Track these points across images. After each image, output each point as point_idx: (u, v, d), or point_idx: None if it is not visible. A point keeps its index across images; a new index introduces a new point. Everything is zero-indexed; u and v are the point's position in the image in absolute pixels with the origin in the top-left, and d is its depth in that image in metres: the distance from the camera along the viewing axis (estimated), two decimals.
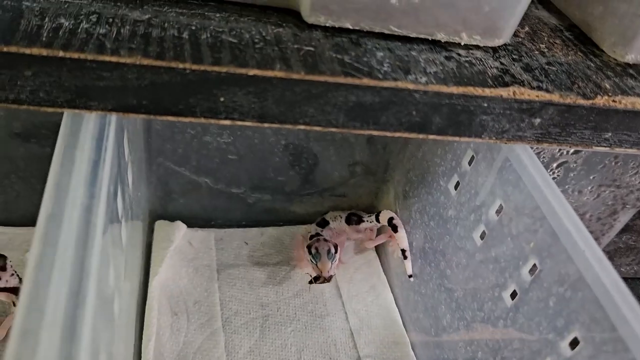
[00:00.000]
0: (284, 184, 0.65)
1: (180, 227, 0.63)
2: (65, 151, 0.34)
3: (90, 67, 0.34)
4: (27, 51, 0.32)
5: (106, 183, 0.33)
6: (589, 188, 0.57)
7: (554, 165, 0.54)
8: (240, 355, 0.55)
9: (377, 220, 0.63)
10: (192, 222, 0.65)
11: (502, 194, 0.45)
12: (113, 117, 0.39)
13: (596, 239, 0.50)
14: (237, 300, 0.59)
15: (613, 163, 0.54)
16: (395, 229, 0.60)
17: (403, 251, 0.60)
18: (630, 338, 0.34)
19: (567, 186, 0.56)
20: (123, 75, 0.35)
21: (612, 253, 0.66)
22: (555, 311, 0.39)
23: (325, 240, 0.59)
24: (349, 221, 0.65)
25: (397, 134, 0.42)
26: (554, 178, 0.55)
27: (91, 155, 0.34)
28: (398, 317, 0.61)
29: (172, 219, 0.64)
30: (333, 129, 0.40)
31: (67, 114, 0.37)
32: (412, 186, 0.60)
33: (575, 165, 0.54)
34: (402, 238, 0.60)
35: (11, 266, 0.50)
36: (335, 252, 0.59)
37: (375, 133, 0.41)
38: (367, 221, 0.65)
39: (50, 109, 0.36)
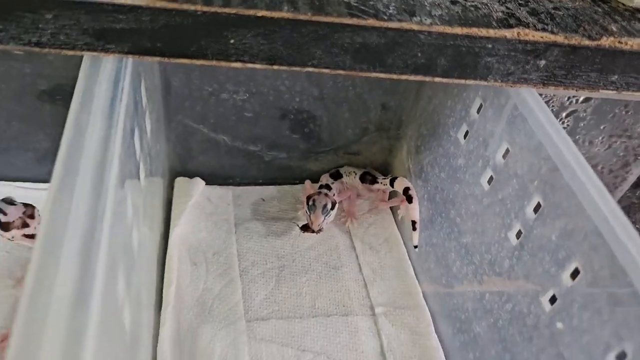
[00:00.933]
0: (298, 141, 0.66)
1: (199, 183, 0.65)
2: (84, 90, 0.36)
3: (107, 10, 0.36)
4: None
5: (122, 118, 0.35)
6: (600, 139, 0.57)
7: (564, 114, 0.54)
8: (257, 301, 0.57)
9: (392, 185, 0.64)
10: (211, 180, 0.67)
11: (508, 138, 0.46)
12: (130, 62, 0.41)
13: (609, 192, 0.50)
14: (254, 252, 0.62)
15: (623, 112, 0.55)
16: (410, 199, 0.62)
17: (413, 222, 0.62)
18: (629, 265, 0.35)
19: (577, 136, 0.56)
20: (138, 17, 0.37)
21: (627, 209, 0.67)
22: (558, 245, 0.40)
23: (326, 195, 0.61)
24: (363, 179, 0.67)
25: (403, 77, 0.43)
26: (565, 127, 0.56)
27: (109, 93, 0.36)
28: (411, 269, 0.62)
29: (191, 176, 0.66)
30: (340, 71, 0.42)
31: (87, 58, 0.39)
32: (423, 140, 0.61)
33: (585, 114, 0.54)
34: (414, 210, 0.62)
35: (39, 215, 0.52)
36: (332, 208, 0.61)
37: (381, 75, 0.43)
38: (381, 183, 0.66)
39: (70, 52, 0.38)
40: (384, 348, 0.55)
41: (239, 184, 0.68)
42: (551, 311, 0.40)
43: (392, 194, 0.67)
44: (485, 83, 0.44)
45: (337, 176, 0.67)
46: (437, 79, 0.44)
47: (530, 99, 0.46)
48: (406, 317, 0.58)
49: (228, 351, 0.52)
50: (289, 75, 0.59)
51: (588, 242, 0.37)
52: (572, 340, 0.38)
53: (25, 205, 0.52)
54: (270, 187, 0.69)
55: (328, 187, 0.64)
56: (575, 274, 0.39)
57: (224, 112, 0.62)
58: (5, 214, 0.50)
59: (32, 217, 0.52)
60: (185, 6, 0.36)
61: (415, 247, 0.61)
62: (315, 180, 0.68)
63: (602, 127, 0.56)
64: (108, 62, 0.39)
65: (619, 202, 0.65)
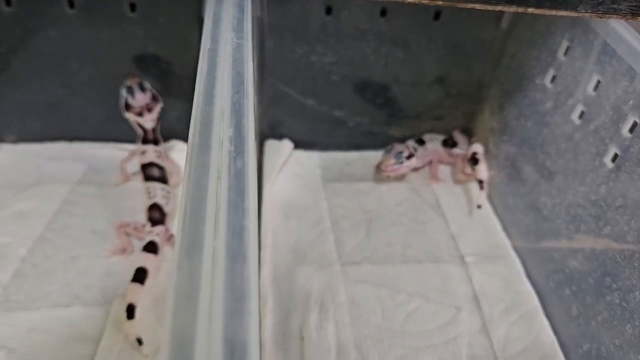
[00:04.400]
0: (382, 107, 0.69)
1: (288, 145, 0.69)
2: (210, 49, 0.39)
3: None
4: None
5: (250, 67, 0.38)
6: None
7: None
8: (349, 249, 0.59)
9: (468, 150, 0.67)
10: (297, 144, 0.70)
11: (599, 70, 0.48)
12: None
13: None
14: (343, 208, 0.64)
15: None
16: (475, 162, 0.66)
17: (481, 182, 0.65)
18: None
19: None
20: None
21: None
22: None
23: (407, 146, 0.65)
24: (445, 144, 0.69)
25: (498, 8, 0.46)
26: None
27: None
28: (498, 224, 0.63)
29: (279, 139, 0.69)
30: (439, 1, 0.44)
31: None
32: (507, 97, 0.63)
33: None
34: (481, 170, 0.65)
35: (159, 107, 0.59)
36: (407, 158, 0.64)
37: (477, 6, 0.45)
38: (462, 147, 0.69)
39: None
40: (476, 292, 0.56)
41: (324, 149, 0.71)
42: None
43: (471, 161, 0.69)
44: (576, 14, 0.46)
45: (421, 142, 0.69)
46: (530, 10, 0.46)
47: (621, 30, 0.47)
48: (496, 265, 0.59)
49: (325, 290, 0.54)
50: (375, 38, 0.63)
51: None
52: None
53: (153, 96, 0.58)
54: (354, 152, 0.72)
55: (414, 148, 0.67)
56: None
57: (312, 76, 0.65)
58: (134, 97, 0.57)
59: (150, 110, 0.57)
60: None
61: (479, 206, 0.64)
62: None
63: None
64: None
65: None
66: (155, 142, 0.60)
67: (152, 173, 0.58)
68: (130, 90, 0.57)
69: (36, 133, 0.66)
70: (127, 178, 0.62)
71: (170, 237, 0.54)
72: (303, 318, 0.51)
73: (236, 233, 0.25)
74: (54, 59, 0.60)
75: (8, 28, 0.58)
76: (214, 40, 0.38)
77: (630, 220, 0.43)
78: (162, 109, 0.60)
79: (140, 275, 0.50)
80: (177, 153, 0.65)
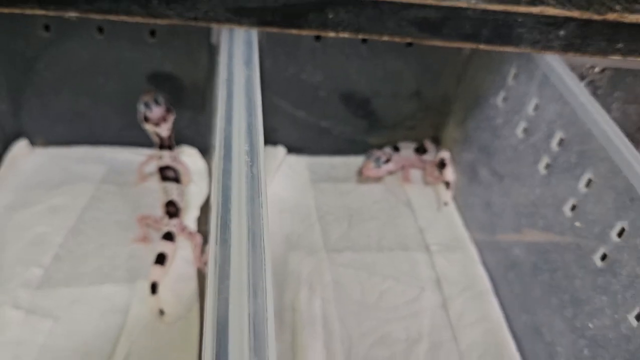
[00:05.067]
0: (362, 118, 0.80)
1: (282, 151, 0.80)
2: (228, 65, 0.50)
3: None
4: None
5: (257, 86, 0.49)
6: (615, 105, 0.69)
7: (583, 83, 0.67)
8: (333, 239, 0.70)
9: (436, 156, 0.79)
10: (289, 149, 0.81)
11: (538, 94, 0.59)
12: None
13: None
14: (328, 205, 0.75)
15: (634, 81, 0.67)
16: (443, 165, 0.77)
17: (447, 183, 0.76)
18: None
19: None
20: None
21: None
22: (576, 164, 0.52)
23: (384, 152, 0.77)
24: (416, 151, 0.80)
25: (456, 44, 0.57)
26: None
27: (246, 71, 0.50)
28: (459, 219, 0.75)
29: (273, 145, 0.80)
30: (408, 39, 0.55)
31: (225, 30, 0.53)
32: (468, 112, 0.74)
33: (601, 83, 0.67)
34: (448, 173, 0.77)
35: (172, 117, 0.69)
36: (385, 162, 0.76)
37: (439, 43, 0.56)
38: (430, 154, 0.80)
39: (215, 25, 0.53)
40: (438, 275, 0.67)
41: (312, 154, 0.82)
42: (572, 217, 0.53)
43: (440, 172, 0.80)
44: (519, 49, 0.58)
45: (396, 149, 0.80)
46: (482, 46, 0.57)
47: (554, 64, 0.59)
48: (456, 254, 0.70)
49: (313, 272, 0.65)
50: (357, 59, 0.74)
51: (598, 158, 0.50)
52: (586, 231, 0.50)
53: (167, 108, 0.67)
54: (338, 157, 0.83)
55: (390, 153, 0.78)
56: (588, 183, 0.51)
57: (303, 91, 0.76)
58: (151, 110, 0.66)
59: (165, 120, 0.67)
60: None
61: (446, 204, 0.76)
62: None
63: (616, 95, 0.68)
64: (241, 33, 0.54)
65: None
66: (170, 147, 0.70)
67: (168, 174, 0.68)
68: (147, 105, 0.67)
69: (64, 138, 0.76)
70: (144, 179, 0.73)
71: (183, 229, 0.65)
72: (295, 294, 0.62)
73: (255, 220, 0.36)
74: (83, 75, 0.70)
75: (45, 49, 0.68)
76: (230, 72, 0.49)
77: (556, 216, 0.55)
78: (174, 119, 0.71)
79: (161, 259, 0.61)
80: (186, 157, 0.75)
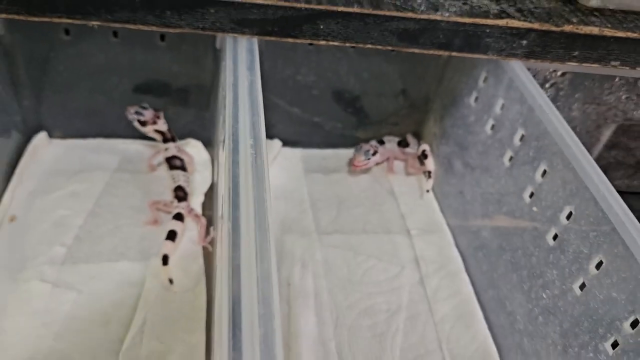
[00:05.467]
0: (351, 115, 0.88)
1: (278, 143, 0.88)
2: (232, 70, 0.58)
3: (247, 7, 0.59)
4: None
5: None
6: (576, 105, 0.78)
7: (547, 85, 0.75)
8: (324, 223, 0.78)
9: (418, 149, 0.87)
10: (284, 143, 0.89)
11: (504, 96, 0.67)
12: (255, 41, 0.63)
13: (588, 149, 0.71)
14: (319, 192, 0.83)
15: (591, 84, 0.75)
16: (425, 156, 0.85)
17: (429, 172, 0.84)
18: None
19: (558, 103, 0.77)
20: (265, 11, 0.59)
21: (605, 167, 0.86)
22: (534, 158, 0.61)
23: (371, 145, 0.84)
24: (399, 144, 0.89)
25: (431, 52, 0.65)
26: (548, 95, 0.77)
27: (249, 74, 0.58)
28: (436, 206, 0.83)
29: (271, 139, 0.88)
30: (389, 47, 0.63)
31: (229, 38, 0.61)
32: (445, 110, 0.82)
33: (562, 85, 0.75)
34: (430, 163, 0.85)
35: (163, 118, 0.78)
36: (373, 155, 0.84)
37: (416, 51, 0.64)
38: (412, 148, 0.88)
39: (221, 34, 0.60)
40: (417, 256, 0.75)
41: (305, 147, 0.90)
42: (530, 203, 0.61)
43: (422, 162, 0.88)
44: (486, 56, 0.65)
45: (381, 142, 0.88)
46: (454, 53, 0.65)
47: (518, 70, 0.67)
48: (433, 237, 0.78)
49: (305, 252, 0.73)
50: (347, 62, 0.82)
51: (552, 152, 0.58)
52: (541, 215, 0.59)
53: (155, 109, 0.77)
54: (329, 150, 0.91)
55: (376, 147, 0.86)
56: (543, 173, 0.59)
57: (297, 90, 0.84)
58: (143, 115, 0.76)
59: (158, 117, 0.77)
60: (294, 4, 0.59)
61: (427, 191, 0.84)
62: None
63: (576, 96, 0.77)
64: (243, 41, 0.61)
65: (597, 160, 0.85)
66: (173, 139, 0.78)
67: (175, 163, 0.76)
68: (137, 112, 0.76)
69: (80, 131, 0.83)
70: (153, 169, 0.80)
71: (191, 211, 0.73)
72: (289, 271, 0.70)
73: (260, 201, 0.44)
74: (98, 75, 0.78)
75: (65, 51, 0.75)
76: (235, 76, 0.56)
77: (517, 202, 0.63)
78: (178, 114, 0.79)
79: (171, 235, 0.69)
80: (192, 148, 0.83)
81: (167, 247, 0.68)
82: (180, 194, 0.73)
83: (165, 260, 0.66)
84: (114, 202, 0.75)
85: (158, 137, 0.77)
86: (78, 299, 0.64)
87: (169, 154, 0.77)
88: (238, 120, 0.52)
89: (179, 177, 0.75)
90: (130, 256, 0.69)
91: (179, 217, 0.71)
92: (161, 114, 0.77)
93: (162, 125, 0.77)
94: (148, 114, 0.76)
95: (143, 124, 0.76)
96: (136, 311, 0.63)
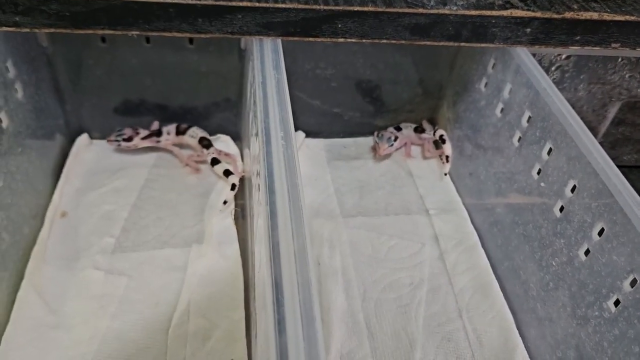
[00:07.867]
0: (368, 104, 0.94)
1: (301, 135, 0.93)
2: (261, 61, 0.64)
3: (271, 11, 0.64)
4: (241, 4, 0.62)
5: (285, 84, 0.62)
6: (582, 85, 0.82)
7: (553, 68, 0.79)
8: (348, 207, 0.84)
9: (434, 134, 0.92)
10: (307, 133, 0.94)
11: (512, 81, 0.72)
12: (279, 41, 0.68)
13: (595, 127, 0.76)
14: (342, 178, 0.89)
15: (595, 65, 0.80)
16: (443, 141, 0.90)
17: (447, 157, 0.89)
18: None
19: (565, 84, 0.81)
20: (288, 14, 0.65)
21: (613, 143, 0.91)
22: (540, 138, 0.66)
23: (391, 131, 0.89)
24: (416, 130, 0.94)
25: (442, 43, 0.70)
26: (554, 78, 0.81)
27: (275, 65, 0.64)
28: (452, 187, 0.88)
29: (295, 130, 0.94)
30: (403, 42, 0.69)
31: (255, 40, 0.67)
32: (458, 96, 0.87)
33: (568, 67, 0.80)
34: (448, 148, 0.90)
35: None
36: (394, 140, 0.89)
37: (427, 43, 0.69)
38: (427, 133, 0.94)
39: (248, 36, 0.66)
40: (436, 233, 0.81)
41: (327, 137, 0.96)
42: (538, 179, 0.66)
43: (437, 146, 0.93)
44: (493, 45, 0.70)
45: (398, 129, 0.94)
46: (463, 44, 0.70)
47: (523, 56, 0.72)
48: (450, 215, 0.84)
49: (332, 233, 0.79)
50: (363, 55, 0.87)
51: (556, 132, 0.63)
52: (548, 189, 0.64)
53: (132, 128, 0.87)
54: (349, 138, 0.96)
55: (394, 133, 0.91)
56: (549, 151, 0.64)
57: (317, 83, 0.89)
58: (123, 133, 0.85)
59: (137, 132, 0.86)
60: (314, 6, 0.64)
61: (446, 174, 0.89)
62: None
63: (581, 77, 0.81)
64: (268, 42, 0.67)
65: (604, 136, 0.89)
66: (208, 147, 0.86)
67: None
68: (117, 135, 0.85)
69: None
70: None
71: (220, 152, 0.84)
72: (319, 251, 0.76)
73: (293, 189, 0.50)
74: (133, 77, 0.84)
75: (101, 57, 0.82)
76: (263, 75, 0.62)
77: (527, 179, 0.68)
78: (209, 112, 0.86)
79: (227, 172, 0.82)
80: (221, 142, 0.89)
81: (232, 179, 0.81)
82: (205, 142, 0.84)
83: (233, 187, 0.81)
84: (155, 195, 0.82)
85: (197, 149, 0.85)
86: (129, 283, 0.70)
87: (210, 157, 0.84)
88: (268, 115, 0.57)
89: (196, 132, 0.86)
90: (173, 243, 0.76)
91: (215, 161, 0.82)
92: (163, 129, 0.87)
93: (144, 132, 0.86)
94: (127, 131, 0.85)
95: (129, 139, 0.85)
96: (181, 293, 0.70)
